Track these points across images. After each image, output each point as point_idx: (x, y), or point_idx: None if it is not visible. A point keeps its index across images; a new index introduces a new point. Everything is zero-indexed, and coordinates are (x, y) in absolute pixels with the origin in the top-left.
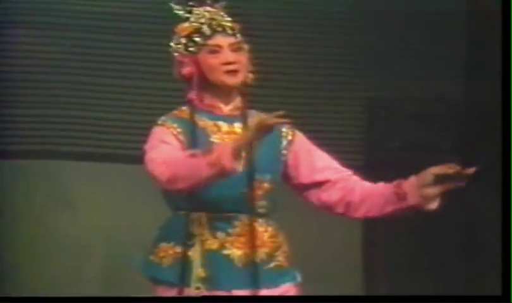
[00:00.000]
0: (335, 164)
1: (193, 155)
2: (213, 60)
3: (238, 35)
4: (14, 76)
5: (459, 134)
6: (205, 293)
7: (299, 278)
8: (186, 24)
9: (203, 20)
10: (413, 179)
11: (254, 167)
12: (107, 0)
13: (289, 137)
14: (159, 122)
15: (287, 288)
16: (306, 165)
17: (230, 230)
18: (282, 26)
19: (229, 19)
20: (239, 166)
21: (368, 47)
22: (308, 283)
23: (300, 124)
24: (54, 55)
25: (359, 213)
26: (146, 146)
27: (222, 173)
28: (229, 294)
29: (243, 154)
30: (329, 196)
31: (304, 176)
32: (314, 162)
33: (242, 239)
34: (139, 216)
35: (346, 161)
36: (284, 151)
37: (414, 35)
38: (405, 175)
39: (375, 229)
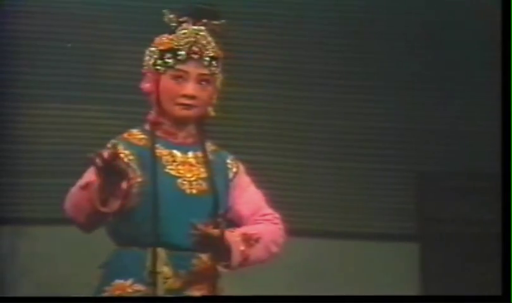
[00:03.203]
0: (261, 203)
1: (84, 186)
2: (173, 88)
3: (214, 64)
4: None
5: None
6: None
7: None
8: (165, 39)
9: (185, 40)
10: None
11: (216, 201)
12: None
13: (234, 170)
14: (108, 146)
15: None
16: (238, 204)
17: (191, 269)
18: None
19: (214, 45)
20: (110, 208)
21: (419, 123)
22: None
23: (353, 195)
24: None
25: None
26: None
27: (96, 212)
28: None
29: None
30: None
31: (232, 208)
32: (242, 197)
33: (201, 279)
34: None
35: (399, 229)
36: (230, 183)
37: (462, 110)
38: (456, 246)
39: None
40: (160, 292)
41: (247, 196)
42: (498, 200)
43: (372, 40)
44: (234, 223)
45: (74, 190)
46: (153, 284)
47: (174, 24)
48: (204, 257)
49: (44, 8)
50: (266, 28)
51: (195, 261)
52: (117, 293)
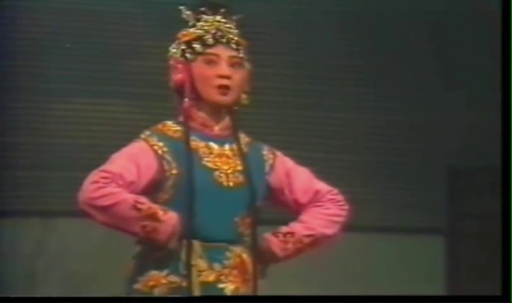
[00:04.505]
0: (315, 185)
1: (137, 204)
2: (207, 71)
3: (242, 51)
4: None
5: None
6: None
7: None
8: (190, 31)
9: (208, 28)
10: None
11: (253, 194)
12: None
13: (270, 161)
14: (142, 136)
15: None
16: (288, 188)
17: (225, 262)
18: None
19: (237, 32)
20: (172, 245)
21: (451, 118)
22: None
23: (383, 187)
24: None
25: None
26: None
27: (149, 241)
28: None
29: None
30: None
31: (288, 198)
32: (293, 184)
33: (235, 272)
34: None
35: (428, 223)
36: (267, 176)
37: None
38: (486, 244)
39: None
40: (195, 285)
41: (298, 180)
42: None
43: (404, 38)
44: (294, 212)
45: (120, 197)
46: (187, 277)
47: (191, 20)
48: (237, 250)
49: (71, 4)
50: (293, 24)
51: (228, 254)
52: (151, 284)
